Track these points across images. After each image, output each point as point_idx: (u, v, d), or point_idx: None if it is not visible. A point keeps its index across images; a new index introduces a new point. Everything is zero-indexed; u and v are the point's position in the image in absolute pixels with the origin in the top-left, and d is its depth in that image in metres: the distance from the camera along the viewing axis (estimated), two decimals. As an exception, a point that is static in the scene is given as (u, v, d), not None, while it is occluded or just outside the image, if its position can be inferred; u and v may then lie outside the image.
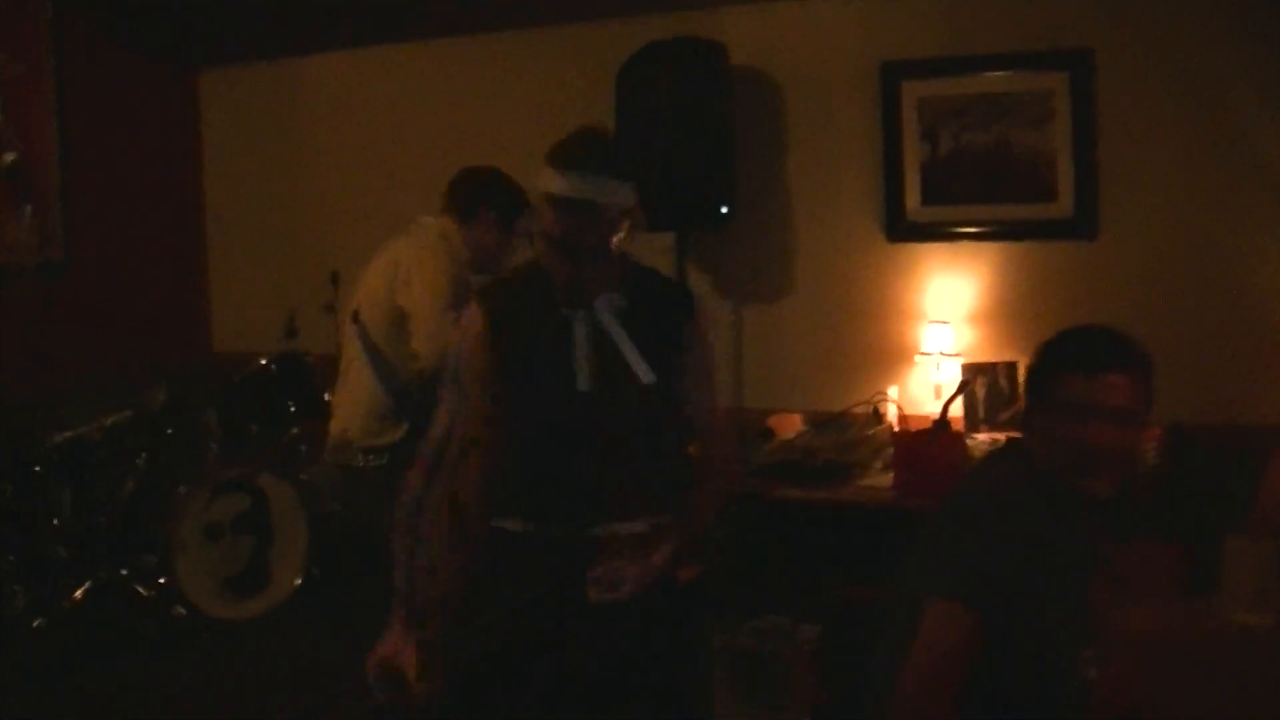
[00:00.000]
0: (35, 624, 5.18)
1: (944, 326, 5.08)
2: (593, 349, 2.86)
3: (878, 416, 5.10)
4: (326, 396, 5.19)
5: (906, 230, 5.25)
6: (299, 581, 5.67)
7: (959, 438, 4.58)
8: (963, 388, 4.66)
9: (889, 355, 5.29)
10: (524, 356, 2.89)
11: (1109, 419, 2.71)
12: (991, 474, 3.11)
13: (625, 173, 2.83)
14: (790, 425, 5.13)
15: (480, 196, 4.60)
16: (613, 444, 2.88)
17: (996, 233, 5.10)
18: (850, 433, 4.99)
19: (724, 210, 5.13)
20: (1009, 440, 3.26)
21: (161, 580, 5.34)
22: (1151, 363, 2.84)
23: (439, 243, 4.50)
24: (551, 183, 2.78)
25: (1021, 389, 3.26)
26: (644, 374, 2.84)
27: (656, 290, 3.02)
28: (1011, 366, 4.93)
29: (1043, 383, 2.84)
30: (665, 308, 2.98)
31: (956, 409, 4.61)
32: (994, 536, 2.74)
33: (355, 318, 4.56)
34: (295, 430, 5.82)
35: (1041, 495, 2.78)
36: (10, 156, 5.70)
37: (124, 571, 5.36)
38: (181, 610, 5.33)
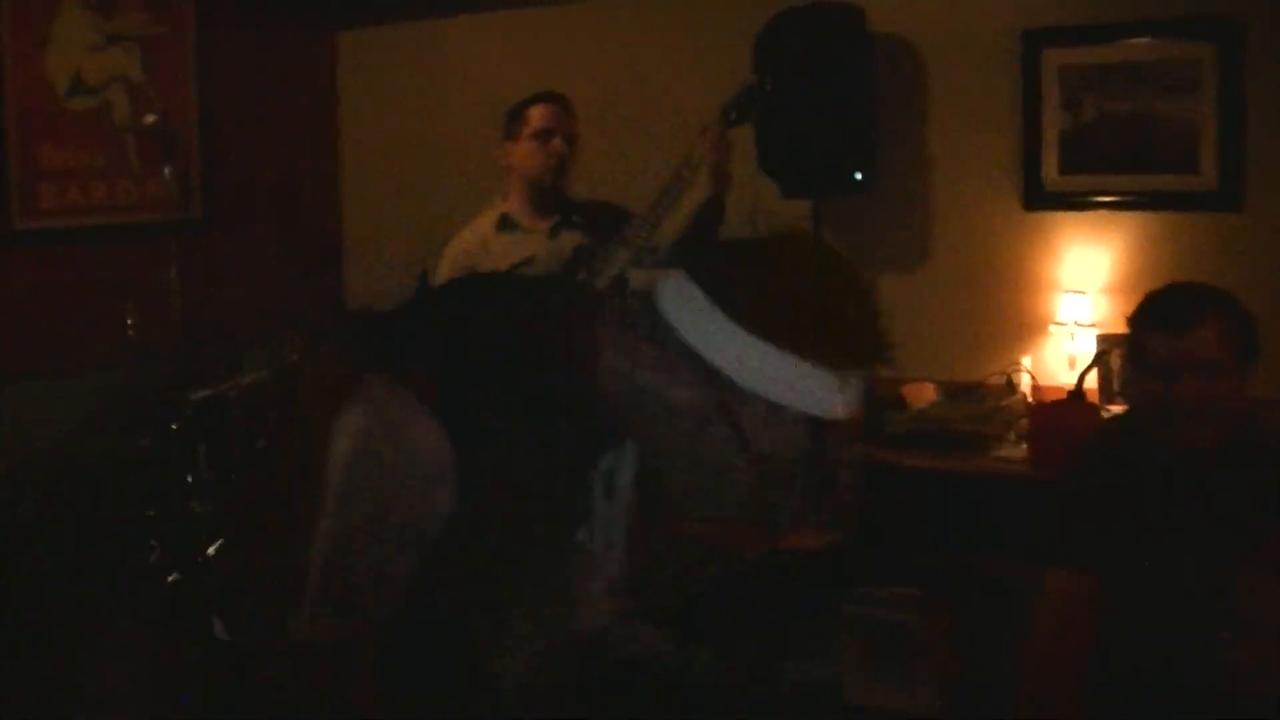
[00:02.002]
0: (170, 578, 5.29)
1: (1080, 297, 5.03)
2: None
3: (1012, 387, 5.05)
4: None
5: (1044, 199, 5.18)
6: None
7: (1094, 409, 4.54)
8: (1098, 359, 4.62)
9: (1024, 325, 5.23)
10: None
11: (1196, 372, 2.73)
12: (1102, 440, 3.13)
13: None
14: (924, 395, 5.10)
15: None
16: None
17: (1136, 203, 5.02)
18: (984, 403, 4.96)
19: (858, 177, 5.11)
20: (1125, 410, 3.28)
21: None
22: (1244, 312, 2.85)
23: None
24: None
25: None
26: None
27: None
28: (1148, 339, 4.87)
29: (1135, 346, 2.89)
30: None
31: (1091, 381, 4.57)
32: (1102, 500, 2.75)
33: None
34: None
35: (1149, 458, 2.78)
36: (151, 118, 5.78)
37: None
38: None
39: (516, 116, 4.85)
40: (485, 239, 4.77)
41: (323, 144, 7.13)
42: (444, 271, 4.73)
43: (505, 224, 4.77)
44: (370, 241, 7.09)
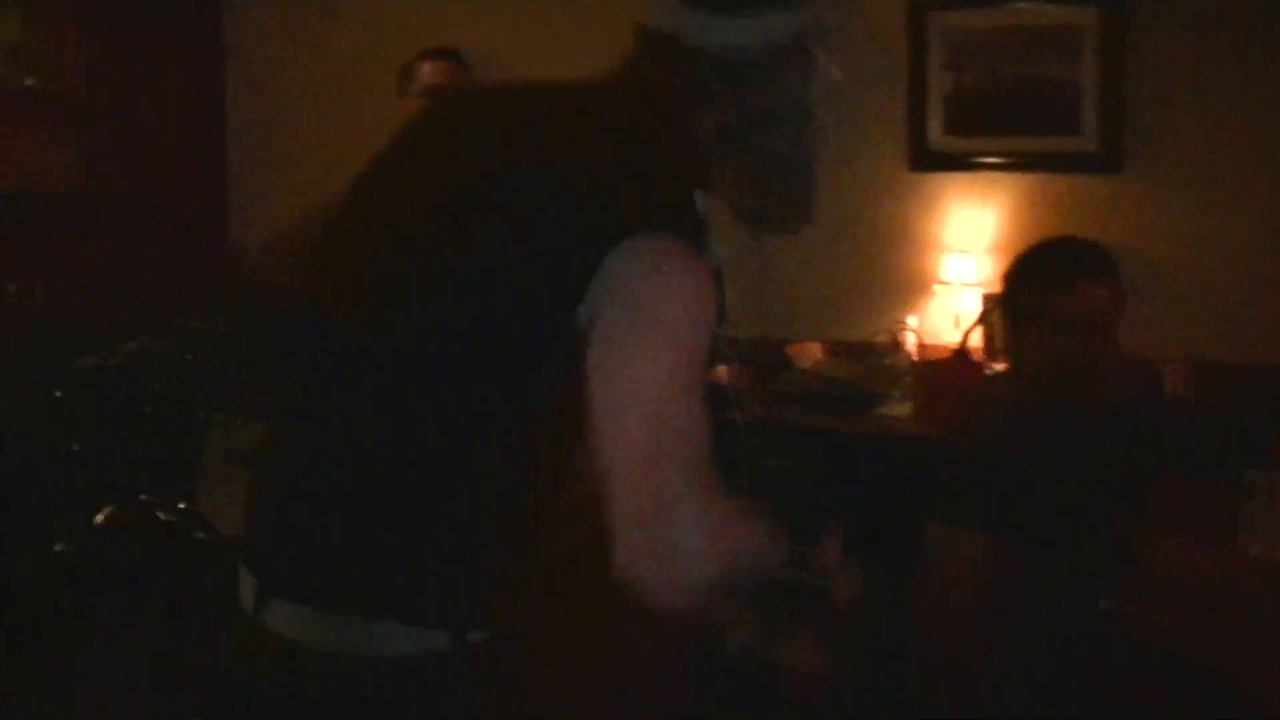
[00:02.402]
0: (58, 549, 5.23)
1: (965, 257, 5.08)
2: None
3: (897, 345, 5.10)
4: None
5: (929, 160, 5.23)
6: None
7: (978, 367, 4.58)
8: (983, 317, 4.67)
9: (909, 285, 5.28)
10: None
11: (1094, 328, 2.78)
12: (993, 397, 3.15)
13: None
14: (809, 354, 5.13)
15: None
16: None
17: (1019, 164, 5.09)
18: (869, 361, 5.00)
19: (744, 138, 5.11)
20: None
21: (182, 505, 5.38)
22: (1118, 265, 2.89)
23: None
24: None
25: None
26: None
27: None
28: (1032, 297, 4.93)
29: (1026, 297, 2.89)
30: None
31: (976, 339, 4.62)
32: (996, 456, 2.77)
33: None
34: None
35: (1038, 411, 2.81)
36: (30, 80, 5.68)
37: (145, 496, 5.39)
38: (202, 534, 5.37)
39: (407, 73, 4.81)
40: None
41: (212, 108, 7.03)
42: None
43: None
44: (261, 210, 7.01)
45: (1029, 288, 2.98)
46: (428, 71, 4.72)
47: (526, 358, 1.73)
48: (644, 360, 1.67)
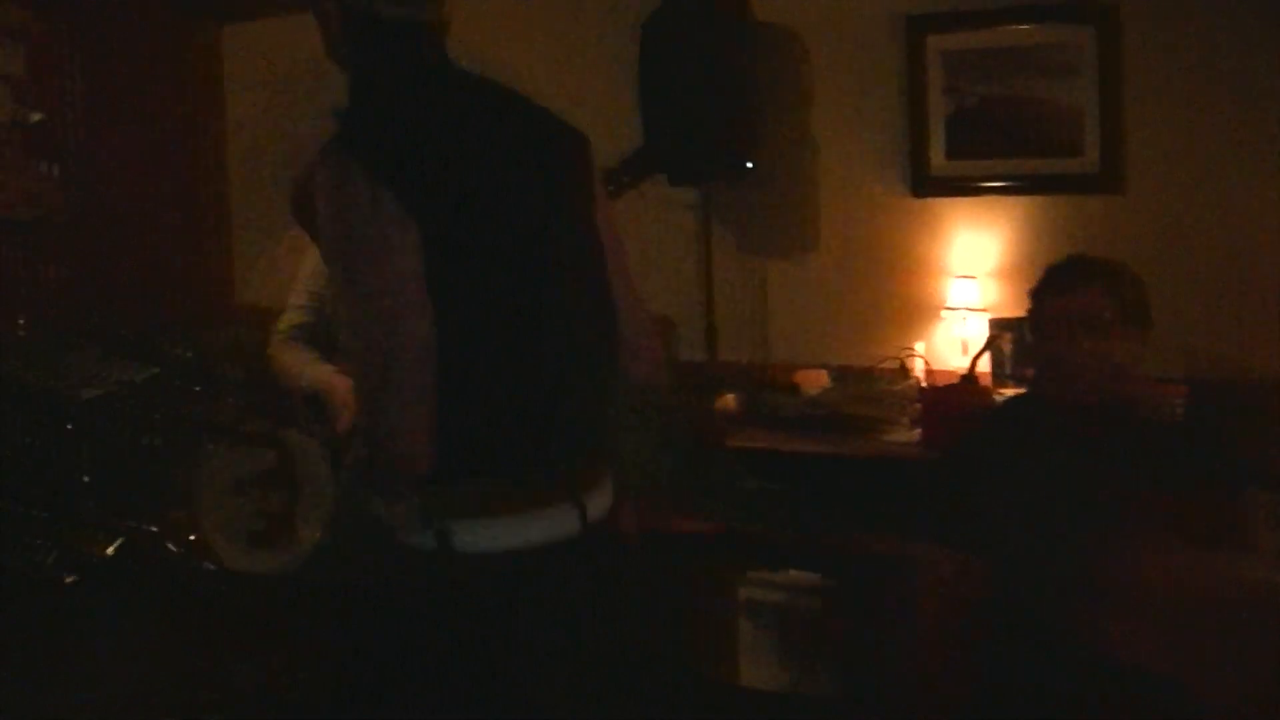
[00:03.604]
0: (68, 580, 5.22)
1: (970, 281, 5.07)
2: None
3: (904, 372, 5.09)
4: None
5: (931, 185, 5.22)
6: (320, 537, 5.69)
7: (986, 392, 4.57)
8: (990, 343, 4.66)
9: (915, 310, 5.27)
10: None
11: (1087, 331, 2.91)
12: (992, 422, 3.26)
13: None
14: (815, 380, 5.12)
15: None
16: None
17: (1022, 187, 5.07)
18: (876, 388, 4.99)
19: (748, 165, 5.12)
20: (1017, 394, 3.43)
21: (191, 537, 5.37)
22: (1131, 278, 3.16)
23: None
24: None
25: None
26: None
27: None
28: (1038, 321, 4.92)
29: (1032, 313, 3.09)
30: None
31: (984, 364, 4.61)
32: (986, 477, 2.82)
33: None
34: (321, 388, 5.86)
35: (1033, 425, 2.89)
36: (36, 116, 5.70)
37: (154, 528, 5.38)
38: (209, 565, 5.35)
39: None
40: None
41: (210, 139, 7.05)
42: None
43: None
44: (259, 237, 7.02)
45: (1034, 297, 3.17)
46: None
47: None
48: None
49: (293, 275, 4.64)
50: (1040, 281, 3.26)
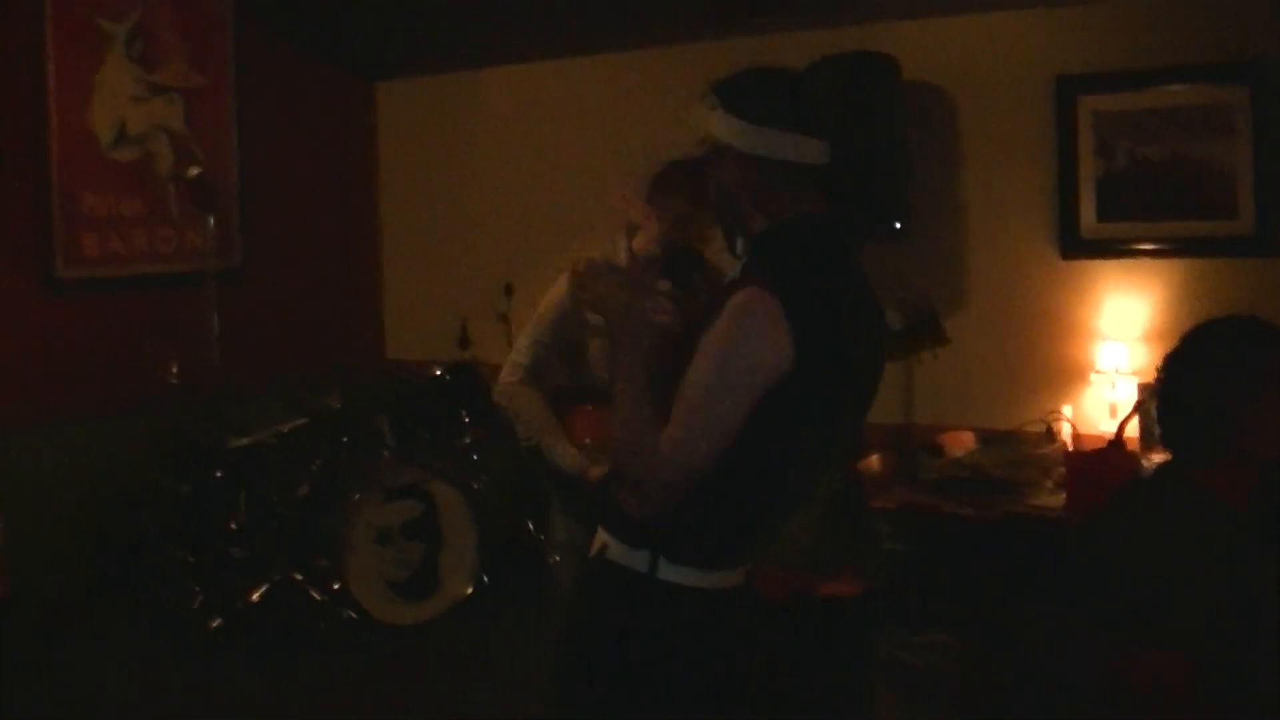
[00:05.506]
0: (213, 624, 5.31)
1: (1119, 345, 5.01)
2: None
3: (1051, 435, 5.02)
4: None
5: (1081, 247, 5.17)
6: (470, 589, 5.74)
7: (1133, 458, 4.50)
8: (1138, 407, 4.58)
9: (1063, 373, 5.22)
10: None
11: None
12: (1139, 493, 3.08)
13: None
14: (961, 442, 5.08)
15: None
16: None
17: (1174, 250, 5.01)
18: (1021, 451, 4.94)
19: (897, 225, 5.10)
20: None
21: (335, 585, 5.43)
22: None
23: None
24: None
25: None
26: None
27: None
28: (1189, 387, 4.83)
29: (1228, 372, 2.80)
30: None
31: (1132, 429, 4.54)
32: (1129, 551, 2.71)
33: None
34: (467, 439, 5.92)
35: (1198, 510, 2.73)
36: (195, 170, 5.85)
37: (299, 575, 5.46)
38: (352, 614, 5.42)
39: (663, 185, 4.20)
40: None
41: (363, 193, 7.19)
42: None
43: None
44: (409, 290, 7.14)
45: (1234, 353, 2.87)
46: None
47: None
48: None
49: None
50: (1229, 340, 2.88)
